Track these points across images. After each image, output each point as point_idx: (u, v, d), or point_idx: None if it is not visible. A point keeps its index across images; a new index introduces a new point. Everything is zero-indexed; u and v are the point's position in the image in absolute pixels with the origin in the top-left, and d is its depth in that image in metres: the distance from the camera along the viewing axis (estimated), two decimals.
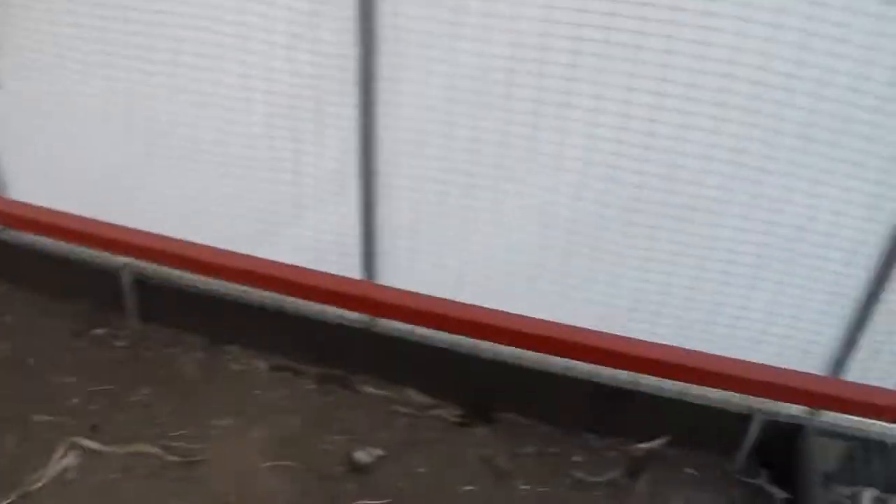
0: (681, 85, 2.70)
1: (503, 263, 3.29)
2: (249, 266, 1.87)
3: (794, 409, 3.48)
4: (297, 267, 1.86)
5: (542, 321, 1.74)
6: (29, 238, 4.10)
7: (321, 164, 3.28)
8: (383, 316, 1.82)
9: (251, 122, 3.26)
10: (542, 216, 3.12)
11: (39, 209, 2.07)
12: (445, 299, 1.76)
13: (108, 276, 4.01)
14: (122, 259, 3.91)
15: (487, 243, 3.26)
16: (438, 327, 1.80)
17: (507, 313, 1.75)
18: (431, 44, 2.86)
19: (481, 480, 3.47)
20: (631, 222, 3.07)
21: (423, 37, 2.86)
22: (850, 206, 2.85)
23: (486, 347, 3.53)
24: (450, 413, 3.72)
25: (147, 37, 3.22)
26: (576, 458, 3.58)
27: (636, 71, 2.72)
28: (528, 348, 1.77)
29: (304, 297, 1.86)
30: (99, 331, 4.13)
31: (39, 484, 3.41)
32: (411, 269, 3.43)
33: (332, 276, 1.83)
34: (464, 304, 1.77)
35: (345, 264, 3.46)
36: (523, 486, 3.46)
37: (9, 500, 3.34)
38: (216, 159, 3.41)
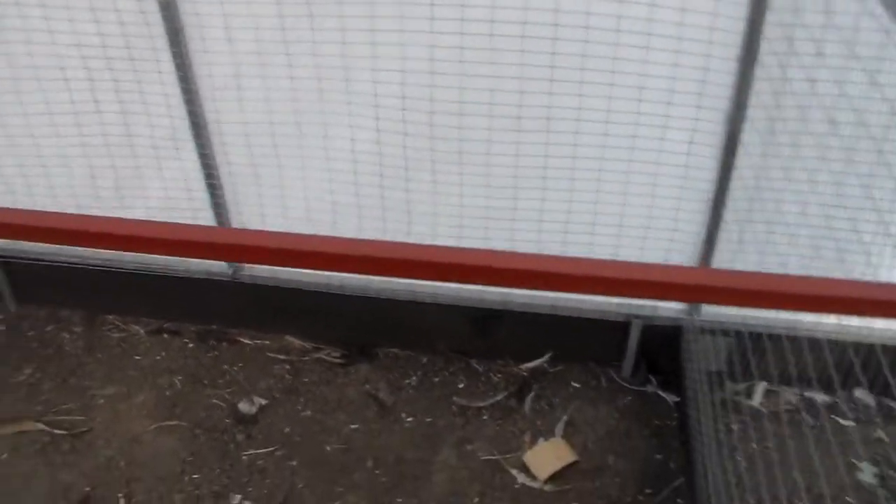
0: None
1: (347, 193, 3.61)
2: (107, 228, 2.05)
3: (673, 312, 3.74)
4: (152, 222, 2.03)
5: (397, 244, 1.76)
6: None
7: (154, 122, 3.60)
8: (245, 260, 1.94)
9: (75, 95, 3.58)
10: (376, 140, 3.42)
11: None
12: (300, 235, 1.82)
13: None
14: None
15: (328, 177, 3.57)
16: (301, 265, 1.94)
17: (361, 241, 1.79)
18: None
19: (366, 417, 3.81)
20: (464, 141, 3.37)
21: None
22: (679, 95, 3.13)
23: (356, 285, 3.84)
24: (330, 355, 4.08)
25: None
26: (459, 385, 3.92)
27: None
28: (386, 273, 1.91)
29: (164, 252, 2.03)
30: None
31: None
32: (262, 216, 3.75)
33: (187, 225, 1.98)
34: (319, 237, 1.79)
35: (198, 218, 3.79)
36: (408, 419, 3.81)
37: None
38: (52, 134, 3.74)
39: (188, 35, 3.27)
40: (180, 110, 3.47)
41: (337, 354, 4.03)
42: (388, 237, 3.48)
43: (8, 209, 2.17)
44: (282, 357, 4.05)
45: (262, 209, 3.69)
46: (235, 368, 4.03)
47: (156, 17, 3.25)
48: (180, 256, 2.06)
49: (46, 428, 3.86)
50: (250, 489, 3.56)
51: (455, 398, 3.83)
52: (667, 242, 3.53)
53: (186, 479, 3.63)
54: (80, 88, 3.52)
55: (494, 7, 2.95)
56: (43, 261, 4.16)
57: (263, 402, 3.88)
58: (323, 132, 3.40)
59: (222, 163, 3.59)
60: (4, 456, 3.78)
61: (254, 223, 3.72)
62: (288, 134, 3.44)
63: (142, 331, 4.26)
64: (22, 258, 4.18)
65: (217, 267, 3.93)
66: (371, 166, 3.46)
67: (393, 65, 3.18)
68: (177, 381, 4.01)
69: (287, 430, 3.77)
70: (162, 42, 3.31)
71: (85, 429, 3.84)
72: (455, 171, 3.39)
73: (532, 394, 3.82)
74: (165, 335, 4.22)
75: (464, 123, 3.27)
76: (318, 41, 3.16)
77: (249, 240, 2.00)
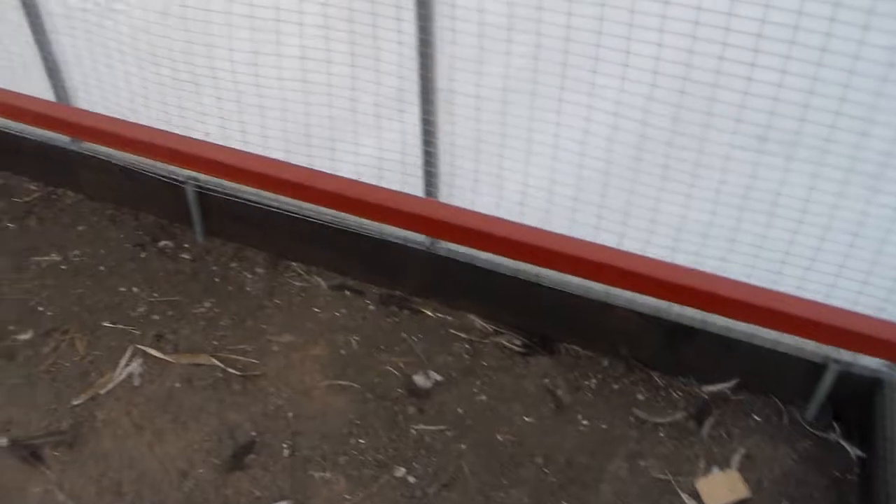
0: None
1: (567, 187, 3.59)
2: (310, 181, 2.08)
3: (875, 363, 3.61)
4: (358, 183, 2.06)
5: (609, 249, 1.78)
6: (100, 149, 4.64)
7: (382, 81, 3.63)
8: (444, 237, 1.97)
9: (307, 43, 3.63)
10: (608, 137, 3.39)
11: (104, 119, 2.39)
12: (508, 221, 1.84)
13: (174, 189, 4.46)
14: (186, 172, 4.40)
15: (551, 165, 3.55)
16: (500, 251, 1.94)
17: (572, 239, 1.83)
18: None
19: (541, 412, 3.83)
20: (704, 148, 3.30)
21: None
22: None
23: (551, 275, 3.84)
24: (511, 341, 4.09)
25: None
26: (639, 396, 3.89)
27: None
28: (593, 278, 1.88)
29: (365, 215, 2.06)
30: (165, 243, 4.65)
31: (108, 388, 3.97)
32: (474, 192, 3.74)
33: (394, 192, 1.94)
34: (526, 227, 1.83)
35: (406, 185, 3.82)
36: (584, 421, 3.80)
37: (79, 401, 3.90)
38: (274, 83, 3.81)
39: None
40: (412, 72, 3.48)
41: (518, 342, 4.04)
42: (598, 239, 3.44)
43: (213, 144, 2.21)
44: (462, 335, 4.08)
45: (476, 186, 3.69)
46: (414, 339, 4.07)
47: None
48: (381, 222, 2.06)
49: (220, 364, 3.97)
50: (415, 464, 3.61)
51: (634, 409, 3.80)
52: (886, 292, 3.42)
53: (352, 441, 3.70)
54: (313, 35, 3.56)
55: (764, 22, 2.87)
56: (237, 198, 4.26)
57: (439, 377, 3.92)
58: (556, 120, 3.37)
59: (445, 133, 3.59)
60: (178, 385, 3.91)
61: (463, 200, 3.73)
62: (519, 115, 3.42)
63: (324, 283, 4.33)
64: (218, 192, 4.30)
65: (415, 235, 3.96)
66: (597, 163, 3.42)
67: (645, 63, 3.12)
68: (353, 341, 4.07)
69: (460, 410, 3.80)
70: (409, 1, 3.32)
71: (257, 373, 3.95)
72: (686, 182, 3.34)
73: (711, 419, 3.77)
74: (347, 292, 4.29)
75: (706, 136, 3.20)
76: (573, 26, 3.12)
77: (454, 217, 2.00)
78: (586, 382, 3.89)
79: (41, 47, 4.29)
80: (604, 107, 3.26)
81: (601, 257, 1.78)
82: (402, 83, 3.52)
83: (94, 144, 4.35)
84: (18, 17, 4.25)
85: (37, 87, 4.37)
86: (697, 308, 1.71)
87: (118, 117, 2.19)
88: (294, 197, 2.17)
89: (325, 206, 2.05)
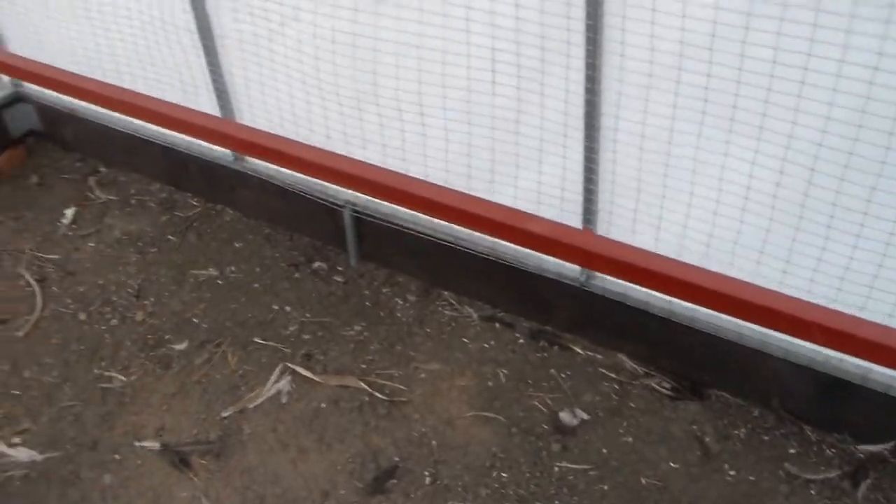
0: None
1: (728, 228, 3.57)
2: (468, 206, 2.15)
3: None
4: (517, 211, 2.11)
5: (769, 291, 1.80)
6: (261, 169, 4.84)
7: (546, 115, 3.68)
8: (600, 270, 1.99)
9: (474, 68, 3.72)
10: (777, 176, 3.36)
11: (272, 136, 2.50)
12: (666, 257, 1.91)
13: (331, 212, 4.61)
14: (345, 196, 4.54)
15: (713, 206, 3.54)
16: (657, 287, 1.97)
17: (733, 279, 1.86)
18: None
19: (687, 458, 3.79)
20: None
21: None
22: None
23: (705, 319, 3.83)
24: (660, 384, 4.08)
25: None
26: (790, 450, 3.82)
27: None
28: (751, 320, 1.82)
29: (521, 243, 2.09)
30: (319, 264, 4.81)
31: (256, 403, 4.13)
32: (632, 229, 3.77)
33: (551, 222, 2.05)
34: (685, 265, 1.89)
35: (564, 219, 3.85)
36: (731, 472, 3.75)
37: (228, 413, 4.07)
38: (439, 105, 3.91)
39: (607, 33, 3.31)
40: (577, 107, 3.53)
41: (667, 385, 4.02)
42: (759, 280, 3.41)
43: (377, 167, 2.27)
44: (611, 375, 4.09)
45: (634, 226, 3.71)
46: (563, 375, 4.10)
47: (578, 10, 3.30)
48: (537, 251, 2.08)
49: (367, 388, 4.08)
50: (556, 502, 3.63)
51: (785, 463, 3.73)
52: None
53: (494, 474, 3.74)
54: (479, 66, 3.64)
55: None
56: (393, 224, 4.38)
57: (585, 416, 3.93)
58: (721, 162, 3.37)
59: (606, 169, 3.63)
60: (324, 405, 4.03)
61: (621, 238, 3.75)
62: (683, 156, 3.43)
63: (475, 314, 4.41)
64: (375, 217, 4.42)
65: (569, 270, 4.00)
66: (762, 207, 3.39)
67: (819, 109, 3.09)
68: (501, 374, 4.12)
69: (605, 451, 3.81)
70: (578, 36, 3.36)
71: (404, 399, 4.03)
72: (853, 232, 3.28)
73: (868, 481, 3.67)
74: (497, 325, 4.35)
75: (877, 184, 3.15)
76: (745, 68, 3.12)
77: (612, 251, 2.02)
78: (735, 431, 3.85)
79: (211, 70, 4.50)
80: (772, 151, 3.24)
81: (756, 297, 1.81)
82: (566, 117, 3.58)
83: (256, 164, 4.56)
84: (191, 40, 4.47)
85: (204, 107, 4.58)
86: (883, 365, 1.66)
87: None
88: (456, 222, 2.21)
89: (483, 231, 2.09)
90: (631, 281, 1.94)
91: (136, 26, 4.67)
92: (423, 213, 2.24)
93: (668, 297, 3.72)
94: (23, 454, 4.03)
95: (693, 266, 1.85)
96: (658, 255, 1.89)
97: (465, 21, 3.54)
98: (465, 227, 2.04)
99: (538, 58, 3.50)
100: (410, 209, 2.22)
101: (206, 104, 4.61)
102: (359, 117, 4.05)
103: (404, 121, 3.96)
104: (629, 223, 3.73)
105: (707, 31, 3.11)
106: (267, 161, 2.43)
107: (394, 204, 2.23)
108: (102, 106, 2.93)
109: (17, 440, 4.10)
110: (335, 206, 4.53)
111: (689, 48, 3.17)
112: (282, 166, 2.64)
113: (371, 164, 2.29)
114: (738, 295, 1.81)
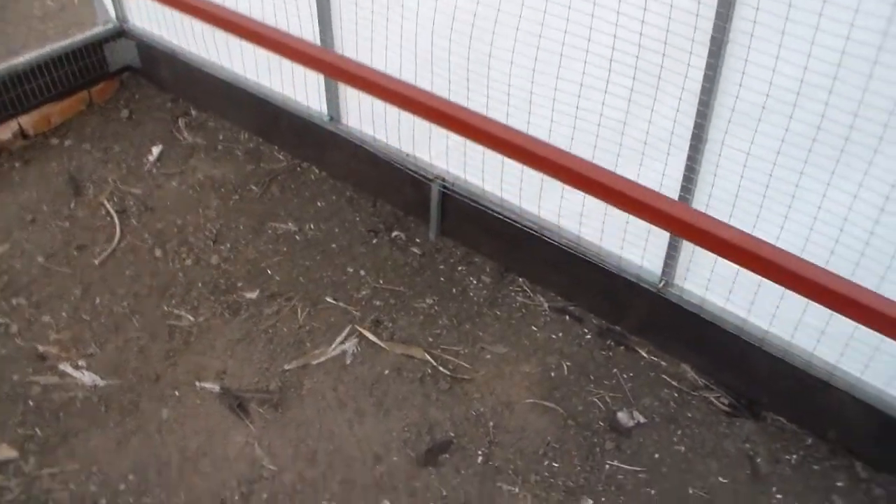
0: None
1: (817, 259, 3.58)
2: (567, 162, 2.15)
3: None
4: (621, 177, 2.11)
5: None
6: (354, 132, 4.88)
7: (655, 121, 3.70)
8: (695, 240, 1.98)
9: (592, 65, 3.74)
10: (874, 218, 3.36)
11: (373, 71, 2.50)
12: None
13: (417, 184, 4.65)
14: (434, 171, 4.58)
15: (806, 233, 3.55)
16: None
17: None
18: (793, 16, 3.17)
19: (736, 475, 3.79)
20: None
21: (784, 6, 3.18)
22: None
23: (776, 342, 3.84)
24: (719, 399, 4.09)
25: None
26: (838, 483, 3.83)
27: None
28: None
29: (627, 208, 2.06)
30: (398, 234, 4.84)
31: (320, 360, 4.17)
32: None
33: (649, 190, 1.97)
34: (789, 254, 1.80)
35: (651, 229, 3.90)
36: (777, 495, 3.76)
37: (291, 367, 4.12)
38: (549, 96, 3.94)
39: (731, 49, 3.32)
40: (688, 118, 3.54)
41: (726, 401, 4.04)
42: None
43: (478, 114, 2.25)
44: (673, 383, 4.11)
45: None
46: (625, 376, 4.12)
47: (706, 23, 3.32)
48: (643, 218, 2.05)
49: (431, 361, 4.11)
50: (603, 499, 3.66)
51: (833, 495, 3.74)
52: None
53: (546, 462, 3.77)
54: (598, 64, 3.67)
55: None
56: (480, 204, 4.40)
57: (642, 419, 3.95)
58: (823, 191, 3.38)
59: (705, 182, 3.65)
60: (387, 372, 4.06)
61: (707, 255, 3.77)
62: (784, 180, 3.44)
63: (546, 304, 4.43)
64: (461, 195, 4.45)
65: (649, 274, 4.02)
66: (857, 242, 3.41)
67: None
68: (564, 366, 4.15)
69: (657, 456, 3.83)
70: (701, 48, 3.38)
71: (466, 377, 4.06)
72: None
73: None
74: (567, 317, 4.38)
75: None
76: (866, 102, 3.13)
77: (708, 226, 1.99)
78: (787, 456, 3.85)
79: (322, 30, 4.52)
80: (876, 187, 3.25)
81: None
82: (674, 126, 3.59)
83: (350, 128, 4.59)
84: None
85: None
86: None
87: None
88: (553, 174, 2.16)
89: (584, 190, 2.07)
90: (720, 254, 1.92)
91: None
92: (523, 163, 2.20)
93: (741, 315, 3.76)
94: (86, 377, 4.09)
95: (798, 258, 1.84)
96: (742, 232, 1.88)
97: (589, 17, 3.56)
98: (559, 179, 2.02)
99: (657, 64, 3.51)
100: (518, 161, 2.20)
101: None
102: (465, 96, 4.08)
103: (511, 106, 3.99)
104: None
105: (833, 61, 3.12)
106: (367, 92, 2.46)
107: (502, 154, 2.21)
108: (207, 21, 2.92)
109: (82, 363, 4.15)
110: (424, 179, 4.56)
111: (813, 75, 3.18)
112: (381, 98, 2.64)
113: (470, 111, 2.28)
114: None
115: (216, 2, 3.22)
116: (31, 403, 4.00)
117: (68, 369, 4.14)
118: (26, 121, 5.60)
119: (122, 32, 5.86)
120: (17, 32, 6.61)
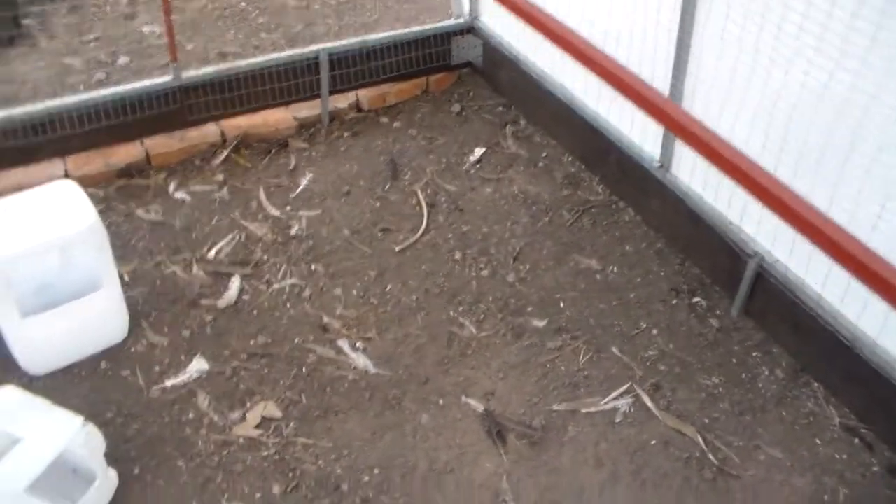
0: None
1: None
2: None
3: None
4: None
5: None
6: (682, 186, 4.70)
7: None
8: None
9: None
10: None
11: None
12: None
13: (733, 256, 4.41)
14: (756, 246, 4.33)
15: None
16: None
17: None
18: None
19: None
20: None
21: None
22: None
23: None
24: None
25: None
26: None
27: None
28: None
29: None
30: (700, 300, 4.61)
31: (590, 409, 4.02)
32: None
33: None
34: None
35: None
36: None
37: (559, 408, 4.01)
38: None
39: None
40: None
41: None
42: None
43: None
44: None
45: None
46: None
47: None
48: None
49: (702, 444, 3.88)
50: None
51: None
52: None
53: None
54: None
55: None
56: (794, 294, 4.13)
57: None
58: None
59: None
60: (654, 442, 3.88)
61: None
62: None
63: (837, 419, 4.06)
64: (778, 280, 4.20)
65: None
66: None
67: None
68: (841, 492, 3.72)
69: None
70: None
71: (734, 472, 3.80)
72: None
73: None
74: (857, 440, 3.99)
75: None
76: None
77: None
78: None
79: (675, 77, 4.38)
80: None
81: None
82: None
83: (679, 179, 4.42)
84: (669, 23, 4.38)
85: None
86: None
87: None
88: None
89: None
90: None
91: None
92: (858, 277, 2.00)
93: None
94: (360, 360, 4.18)
95: None
96: None
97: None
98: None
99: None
100: (849, 270, 2.01)
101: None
102: (811, 185, 3.79)
103: (858, 206, 3.70)
104: None
105: None
106: (707, 159, 2.34)
107: (833, 258, 2.04)
108: (555, 42, 2.85)
109: (360, 345, 4.24)
110: (741, 253, 4.33)
111: None
112: (719, 167, 2.51)
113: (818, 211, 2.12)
114: None
115: (577, 34, 3.17)
116: (303, 370, 4.14)
117: (346, 347, 4.25)
118: (364, 95, 5.79)
119: (471, 28, 5.95)
120: (374, 7, 6.85)
